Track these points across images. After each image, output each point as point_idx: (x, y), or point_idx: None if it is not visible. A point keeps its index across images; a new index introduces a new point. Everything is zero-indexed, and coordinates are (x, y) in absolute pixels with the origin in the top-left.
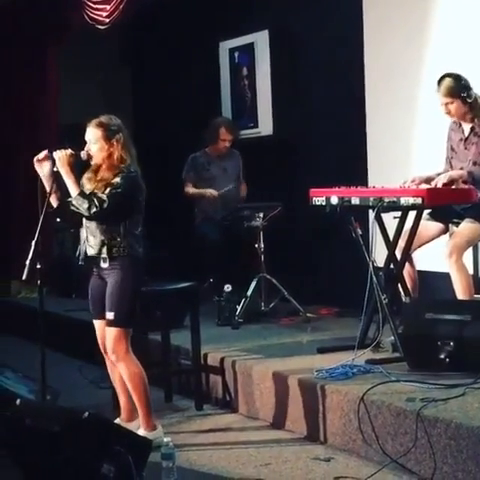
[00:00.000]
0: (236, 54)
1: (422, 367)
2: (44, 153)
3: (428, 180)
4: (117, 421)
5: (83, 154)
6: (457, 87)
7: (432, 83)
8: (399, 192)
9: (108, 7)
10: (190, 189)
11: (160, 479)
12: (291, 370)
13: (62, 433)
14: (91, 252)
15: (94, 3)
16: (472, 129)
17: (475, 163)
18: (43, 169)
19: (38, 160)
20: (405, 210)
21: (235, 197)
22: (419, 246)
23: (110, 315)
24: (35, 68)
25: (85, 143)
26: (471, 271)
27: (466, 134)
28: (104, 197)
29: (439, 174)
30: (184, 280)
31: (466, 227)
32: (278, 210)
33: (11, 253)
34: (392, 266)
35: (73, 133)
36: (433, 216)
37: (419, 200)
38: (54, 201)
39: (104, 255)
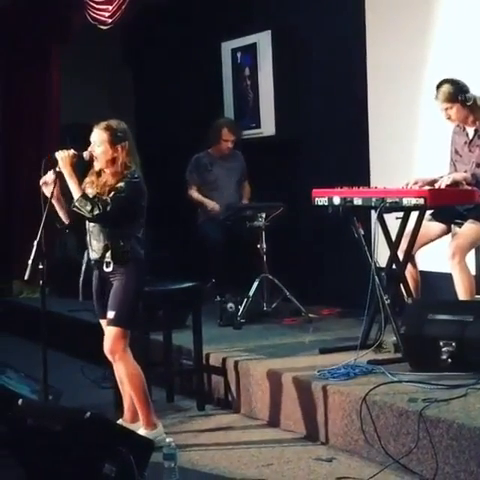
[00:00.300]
0: (238, 54)
1: (424, 367)
2: (51, 176)
3: (431, 183)
4: (119, 421)
5: (86, 154)
6: (454, 91)
7: (434, 84)
8: (401, 193)
9: (110, 7)
10: (193, 193)
11: (162, 479)
12: (293, 370)
13: (64, 433)
14: (94, 256)
15: (96, 3)
16: (476, 132)
17: (479, 165)
18: (50, 190)
19: (46, 182)
20: (407, 211)
21: (237, 199)
22: (421, 246)
23: (111, 314)
24: (37, 68)
25: (88, 143)
26: (473, 272)
27: (470, 137)
28: (108, 200)
29: (443, 177)
30: (186, 280)
31: (469, 228)
32: (280, 210)
33: (13, 253)
34: (394, 267)
35: (74, 133)
36: (435, 217)
37: (421, 201)
38: (66, 219)
39: (108, 259)
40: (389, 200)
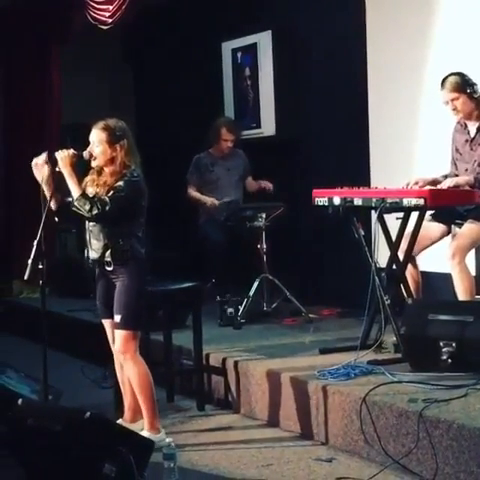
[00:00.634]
0: (239, 54)
1: (424, 368)
2: (43, 158)
3: (432, 182)
4: (119, 421)
5: (85, 154)
6: (462, 82)
7: (435, 83)
8: (401, 193)
9: (111, 7)
10: (193, 192)
11: (161, 479)
12: (293, 370)
13: (64, 433)
14: (94, 256)
15: (97, 3)
16: (478, 129)
17: None
18: (41, 173)
19: (37, 164)
20: (407, 211)
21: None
22: (422, 248)
23: (117, 318)
24: (38, 68)
25: (88, 143)
26: (473, 272)
27: (472, 134)
28: (107, 199)
29: (445, 176)
30: (187, 280)
31: (469, 228)
32: (281, 210)
33: (13, 253)
34: (394, 267)
35: (75, 132)
36: (435, 217)
37: (421, 201)
38: (53, 204)
39: (108, 259)
40: (389, 200)
